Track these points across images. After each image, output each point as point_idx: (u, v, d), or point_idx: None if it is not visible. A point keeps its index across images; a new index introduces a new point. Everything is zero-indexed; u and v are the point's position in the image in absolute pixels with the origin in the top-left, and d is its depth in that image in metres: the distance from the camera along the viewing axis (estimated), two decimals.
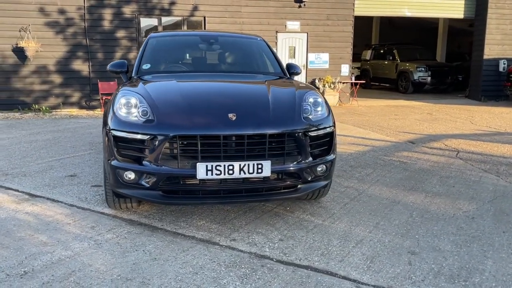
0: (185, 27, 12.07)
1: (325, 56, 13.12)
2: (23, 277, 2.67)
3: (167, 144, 3.15)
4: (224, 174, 3.14)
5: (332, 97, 12.79)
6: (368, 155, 6.24)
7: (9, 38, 10.98)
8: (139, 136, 3.19)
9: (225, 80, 4.26)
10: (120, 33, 11.63)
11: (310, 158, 3.43)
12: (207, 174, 3.12)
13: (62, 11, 11.23)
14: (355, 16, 13.20)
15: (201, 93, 3.71)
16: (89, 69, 11.55)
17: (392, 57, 18.09)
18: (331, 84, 12.75)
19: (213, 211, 3.85)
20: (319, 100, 3.71)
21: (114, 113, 3.36)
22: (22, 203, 4.02)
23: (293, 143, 3.35)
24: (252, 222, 3.62)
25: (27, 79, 11.29)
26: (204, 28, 12.09)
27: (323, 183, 3.63)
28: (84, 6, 11.32)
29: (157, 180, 3.17)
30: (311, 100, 3.67)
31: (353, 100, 13.35)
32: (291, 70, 4.85)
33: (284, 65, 4.91)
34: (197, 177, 3.12)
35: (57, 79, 11.46)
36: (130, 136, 3.22)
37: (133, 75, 4.38)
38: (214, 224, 3.57)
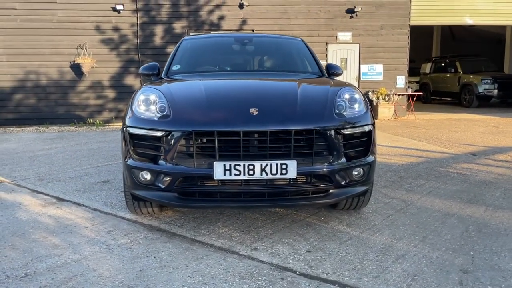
0: None
1: (379, 68, 12.54)
2: (22, 280, 2.49)
3: (182, 141, 2.89)
4: (244, 174, 2.82)
5: (386, 110, 12.15)
6: (421, 166, 5.66)
7: (67, 55, 11.48)
8: (153, 133, 2.96)
9: (254, 78, 3.97)
10: (171, 49, 11.77)
11: (344, 159, 3.03)
12: (225, 174, 2.81)
13: (116, 29, 11.60)
14: (414, 29, 12.54)
15: (223, 89, 3.44)
16: (141, 84, 11.77)
17: (454, 70, 17.03)
18: (386, 96, 12.11)
19: (239, 218, 3.53)
20: (356, 96, 3.31)
21: (132, 110, 3.17)
22: (48, 206, 3.92)
23: (323, 141, 2.97)
24: (279, 231, 3.26)
25: (82, 94, 11.71)
26: None
27: (360, 189, 3.20)
28: (137, 23, 11.63)
29: (172, 180, 2.91)
30: (346, 96, 3.28)
31: (409, 113, 12.60)
32: (331, 70, 4.48)
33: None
34: (214, 178, 2.82)
35: (110, 94, 11.78)
36: (145, 133, 3.00)
37: (162, 76, 4.22)
38: (237, 232, 3.24)
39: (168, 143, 2.91)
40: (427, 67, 19.16)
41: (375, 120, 11.65)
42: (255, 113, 2.91)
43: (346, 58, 12.49)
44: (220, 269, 2.62)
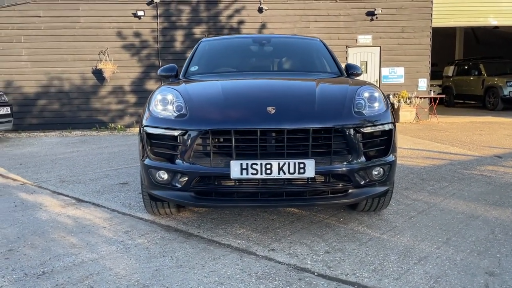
0: None
1: (400, 70, 12.35)
2: (39, 278, 2.49)
3: (199, 140, 2.87)
4: (261, 173, 2.78)
5: (408, 113, 11.94)
6: (444, 169, 5.52)
7: (89, 61, 11.68)
8: (170, 132, 2.94)
9: (272, 78, 3.93)
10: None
11: (363, 159, 2.95)
12: (241, 174, 2.78)
13: (137, 34, 11.75)
14: (436, 32, 12.34)
15: (241, 88, 3.41)
16: (161, 84, 11.84)
17: (478, 72, 16.66)
18: (407, 100, 11.90)
19: (256, 219, 3.49)
20: (376, 94, 3.24)
21: (149, 110, 3.17)
22: (67, 207, 3.96)
23: (342, 140, 2.90)
24: (297, 232, 3.20)
25: (104, 99, 11.87)
26: None
27: (380, 189, 3.12)
28: (158, 29, 11.75)
29: (188, 179, 2.89)
30: (366, 94, 3.21)
31: (432, 116, 12.35)
32: (351, 70, 4.40)
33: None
34: (231, 177, 2.78)
35: (131, 98, 11.92)
36: (162, 132, 2.99)
37: (180, 77, 4.23)
38: (254, 232, 3.19)
39: (184, 142, 2.89)
40: (449, 70, 18.81)
41: (398, 121, 11.36)
42: (273, 111, 2.87)
43: (367, 61, 12.35)
44: (236, 269, 2.58)
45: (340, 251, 2.83)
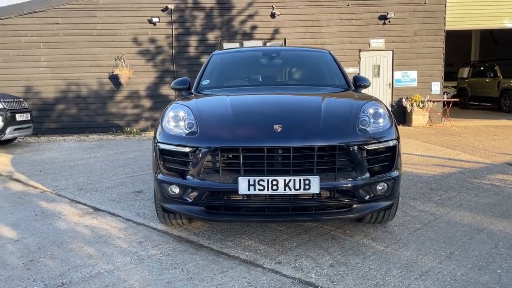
0: None
1: (413, 74, 12.34)
2: None
3: (209, 157, 3.01)
4: (268, 189, 2.90)
5: (421, 117, 11.93)
6: (453, 177, 5.56)
7: (106, 67, 11.95)
8: (181, 149, 3.09)
9: (280, 93, 4.05)
10: (204, 58, 12.04)
11: (368, 175, 3.06)
12: (249, 190, 2.90)
13: (152, 40, 11.98)
14: (452, 33, 12.28)
15: (249, 105, 3.54)
16: (175, 95, 12.08)
17: (494, 74, 16.51)
18: (420, 103, 11.90)
19: (265, 230, 3.61)
20: (381, 111, 3.33)
21: (162, 126, 3.32)
22: (84, 216, 4.14)
23: (346, 157, 3.01)
24: (304, 244, 3.31)
25: (120, 104, 12.13)
26: None
27: (384, 204, 3.21)
28: (172, 35, 11.96)
29: (198, 194, 3.03)
30: (370, 111, 3.31)
31: (445, 119, 12.31)
32: (358, 82, 4.50)
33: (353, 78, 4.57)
34: (239, 192, 2.92)
35: (146, 103, 12.15)
36: (174, 149, 3.14)
37: (192, 91, 4.37)
38: (262, 244, 3.32)
39: (195, 159, 3.03)
40: (464, 72, 18.67)
41: (411, 125, 11.36)
42: (279, 129, 2.99)
43: (379, 65, 12.36)
44: (244, 283, 2.71)
45: (344, 265, 2.94)
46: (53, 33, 11.83)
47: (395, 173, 3.20)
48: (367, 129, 3.16)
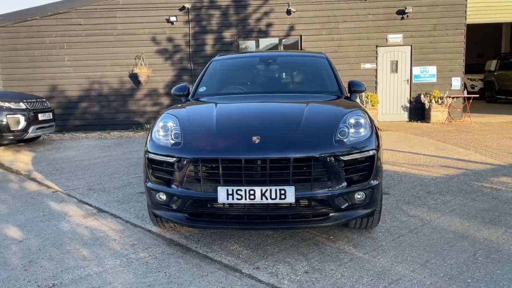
0: (282, 47, 12.23)
1: (432, 69, 12.13)
2: None
3: (191, 167, 3.18)
4: (246, 199, 3.05)
5: (440, 113, 11.75)
6: (455, 180, 5.54)
7: (126, 65, 12.30)
8: (167, 159, 3.27)
9: (270, 101, 4.17)
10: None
11: (344, 184, 3.15)
12: (228, 199, 3.06)
13: (170, 39, 12.23)
14: (480, 25, 11.98)
15: (233, 116, 3.68)
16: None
17: None
18: (439, 99, 11.71)
19: (252, 235, 3.76)
20: (362, 121, 3.41)
21: (151, 136, 3.51)
22: (88, 217, 4.39)
23: (322, 167, 3.11)
24: (285, 250, 3.44)
25: (140, 101, 12.48)
26: (300, 47, 12.10)
27: (362, 212, 3.30)
28: (189, 33, 12.18)
29: (182, 202, 3.21)
30: (351, 120, 3.39)
31: (466, 115, 12.07)
32: (353, 88, 4.57)
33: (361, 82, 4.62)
34: (218, 201, 3.08)
35: (165, 101, 12.44)
36: (160, 159, 3.32)
37: (189, 97, 4.55)
38: (246, 249, 3.47)
39: (179, 169, 3.20)
40: (492, 64, 18.14)
41: (430, 122, 11.17)
42: (257, 141, 3.12)
43: (397, 61, 12.22)
44: (218, 287, 2.87)
45: (318, 272, 3.06)
46: (76, 34, 12.24)
47: (373, 182, 3.28)
48: (345, 139, 3.24)
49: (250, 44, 12.36)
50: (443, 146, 8.18)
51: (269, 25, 12.09)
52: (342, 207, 3.17)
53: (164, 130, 3.48)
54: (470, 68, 18.79)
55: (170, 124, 3.51)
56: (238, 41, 12.26)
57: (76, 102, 12.50)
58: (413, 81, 12.22)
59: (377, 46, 12.12)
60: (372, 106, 11.83)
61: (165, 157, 3.29)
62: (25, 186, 5.82)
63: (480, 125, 11.13)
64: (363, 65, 12.12)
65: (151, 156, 3.39)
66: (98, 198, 5.10)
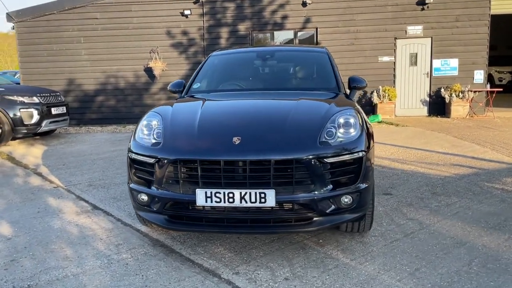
0: (297, 41, 12.00)
1: (453, 62, 11.68)
2: None
3: (170, 168, 3.08)
4: (224, 202, 2.94)
5: (461, 108, 11.33)
6: (465, 180, 5.28)
7: (141, 59, 12.33)
8: (147, 159, 3.18)
9: (261, 98, 4.02)
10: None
11: (329, 187, 3.00)
12: (206, 201, 2.96)
13: (184, 33, 12.18)
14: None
15: (217, 115, 3.55)
16: None
17: None
18: (460, 93, 11.27)
19: (240, 237, 3.64)
20: (351, 121, 3.24)
21: (134, 135, 3.43)
22: (81, 215, 4.37)
23: (305, 170, 2.96)
24: (270, 253, 3.32)
25: (155, 95, 12.51)
26: (316, 40, 11.84)
27: (350, 216, 3.14)
28: (204, 27, 12.10)
29: (161, 204, 3.12)
30: (341, 120, 3.23)
31: (489, 110, 11.59)
32: (353, 84, 4.39)
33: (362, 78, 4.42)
34: (197, 204, 2.98)
35: None
36: (141, 159, 3.24)
37: (183, 94, 4.45)
38: (230, 252, 3.36)
39: (159, 169, 3.11)
40: None
41: (450, 117, 10.75)
42: (237, 142, 3.00)
43: (416, 53, 11.81)
44: None
45: (299, 279, 2.93)
46: (92, 28, 12.34)
47: (362, 185, 3.11)
48: (331, 140, 3.08)
49: (265, 36, 12.17)
50: (459, 143, 7.85)
51: (284, 17, 11.87)
52: (327, 211, 3.02)
53: (148, 129, 3.40)
54: (499, 60, 18.07)
55: (154, 122, 3.42)
56: (253, 34, 12.10)
57: (93, 96, 12.64)
58: (433, 75, 11.80)
59: (395, 38, 11.74)
60: (390, 100, 11.51)
61: (145, 158, 3.20)
62: (29, 181, 5.88)
63: (503, 121, 10.66)
64: (381, 58, 11.77)
65: (133, 156, 3.31)
66: (96, 195, 5.09)
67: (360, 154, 3.11)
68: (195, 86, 4.52)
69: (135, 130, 3.49)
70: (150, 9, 12.11)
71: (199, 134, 3.17)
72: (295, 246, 3.45)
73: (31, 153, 8.06)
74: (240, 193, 2.91)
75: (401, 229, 3.76)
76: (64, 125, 10.00)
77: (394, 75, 11.86)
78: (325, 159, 2.98)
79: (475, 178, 5.37)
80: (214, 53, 5.07)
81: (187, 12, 11.92)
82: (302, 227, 3.04)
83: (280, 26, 11.96)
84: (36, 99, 8.99)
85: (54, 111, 9.35)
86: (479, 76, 11.67)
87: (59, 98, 9.76)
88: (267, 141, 3.04)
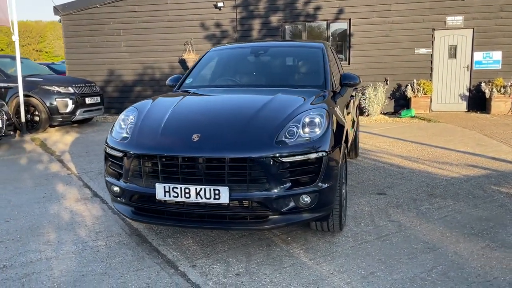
0: (329, 32, 11.78)
1: (496, 55, 10.99)
2: None
3: (135, 162, 3.21)
4: (181, 197, 3.03)
5: (502, 104, 10.68)
6: (471, 182, 5.04)
7: (176, 51, 12.65)
8: (116, 153, 3.34)
9: (239, 95, 4.05)
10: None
11: (286, 186, 3.01)
12: (165, 196, 3.07)
13: (217, 25, 12.33)
14: None
15: (184, 112, 3.61)
16: None
17: None
18: (501, 88, 10.61)
19: (213, 231, 3.73)
20: (316, 120, 3.21)
21: (111, 129, 3.60)
22: (79, 202, 4.65)
23: (259, 169, 2.99)
24: (234, 248, 3.38)
25: None
26: (349, 32, 11.57)
27: (308, 216, 3.14)
28: (236, 19, 12.18)
29: (128, 196, 3.27)
30: (306, 120, 3.21)
31: None
32: (345, 81, 4.33)
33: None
34: (157, 198, 3.10)
35: None
36: (112, 152, 3.40)
37: (175, 88, 4.58)
38: (197, 245, 3.46)
39: (125, 163, 3.26)
40: None
41: (490, 113, 10.18)
42: (196, 139, 3.08)
43: (456, 45, 11.23)
44: (143, 283, 2.90)
45: (249, 275, 2.97)
46: (131, 20, 12.80)
47: (323, 185, 3.09)
48: (290, 140, 3.08)
49: (297, 28, 12.06)
50: (486, 141, 7.44)
51: (316, 8, 11.69)
52: (283, 210, 3.04)
53: (125, 123, 3.55)
54: None
55: (131, 117, 3.57)
56: (285, 26, 12.02)
57: (131, 86, 13.15)
58: (474, 68, 11.18)
59: (433, 30, 11.22)
60: (425, 94, 11.06)
61: (115, 151, 3.36)
62: (49, 167, 6.29)
63: None
64: (417, 50, 11.31)
65: (108, 149, 3.48)
66: (101, 183, 5.35)
67: (321, 154, 3.08)
68: (187, 81, 4.63)
69: (113, 124, 3.66)
70: (184, 2, 12.36)
71: (163, 131, 3.27)
72: (262, 242, 3.48)
73: (63, 140, 8.58)
74: (196, 189, 2.99)
75: (377, 231, 3.68)
76: (98, 114, 10.52)
77: (431, 68, 11.36)
78: (280, 158, 2.98)
79: (483, 180, 5.11)
80: (214, 48, 5.14)
81: (220, 4, 12.05)
82: (257, 225, 3.08)
83: (312, 18, 11.79)
84: (71, 89, 9.52)
85: (88, 100, 9.85)
86: None
87: (94, 88, 10.27)
88: (224, 139, 3.09)
